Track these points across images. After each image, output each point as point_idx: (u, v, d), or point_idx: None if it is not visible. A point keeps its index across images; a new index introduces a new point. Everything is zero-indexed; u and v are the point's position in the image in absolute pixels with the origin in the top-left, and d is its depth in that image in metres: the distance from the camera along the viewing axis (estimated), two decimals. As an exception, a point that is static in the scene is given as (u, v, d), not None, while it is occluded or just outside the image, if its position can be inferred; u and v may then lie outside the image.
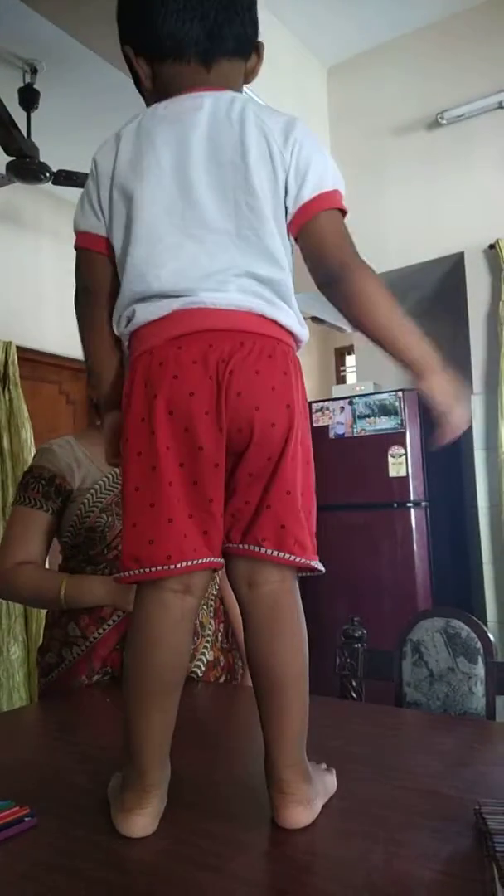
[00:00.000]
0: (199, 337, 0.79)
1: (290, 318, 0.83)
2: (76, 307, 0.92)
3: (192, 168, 0.82)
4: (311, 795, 0.79)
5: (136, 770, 0.78)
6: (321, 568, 0.82)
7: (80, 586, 1.36)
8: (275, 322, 0.82)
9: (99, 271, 0.88)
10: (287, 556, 0.79)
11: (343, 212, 0.85)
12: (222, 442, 0.78)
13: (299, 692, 0.81)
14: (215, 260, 0.81)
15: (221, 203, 0.82)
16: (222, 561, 0.81)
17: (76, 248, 0.90)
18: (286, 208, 0.84)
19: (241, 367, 0.78)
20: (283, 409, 0.80)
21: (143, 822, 0.76)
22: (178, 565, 0.76)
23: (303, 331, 0.85)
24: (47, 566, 1.49)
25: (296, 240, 0.85)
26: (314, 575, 0.83)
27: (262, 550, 0.79)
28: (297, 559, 0.80)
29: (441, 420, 0.84)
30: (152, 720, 0.78)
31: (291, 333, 0.84)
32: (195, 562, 0.77)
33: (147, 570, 0.77)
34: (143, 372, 0.80)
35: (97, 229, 0.87)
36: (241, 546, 0.80)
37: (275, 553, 0.79)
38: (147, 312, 0.81)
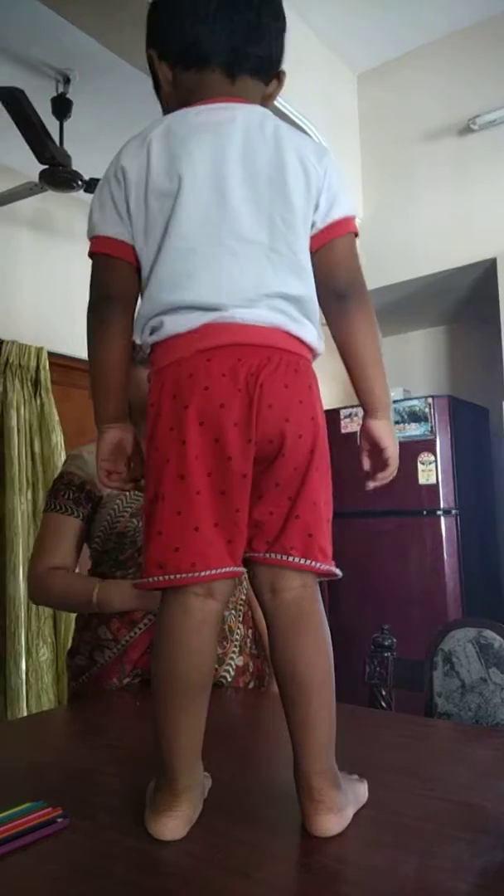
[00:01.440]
0: (228, 351, 0.80)
1: (311, 334, 0.85)
2: (92, 315, 0.88)
3: (228, 179, 0.82)
4: (341, 803, 0.78)
5: (167, 774, 0.78)
6: (340, 573, 0.84)
7: (111, 590, 1.37)
8: (298, 338, 0.84)
9: (126, 280, 0.86)
10: (312, 563, 0.81)
11: (357, 235, 0.90)
12: (250, 453, 0.79)
13: (326, 697, 0.81)
14: (247, 274, 0.81)
15: (256, 216, 0.82)
16: (243, 570, 0.82)
17: (98, 253, 0.87)
18: (313, 223, 0.86)
19: (270, 381, 0.79)
20: (308, 421, 0.82)
21: (173, 825, 0.76)
22: (203, 573, 0.77)
23: (320, 344, 0.88)
24: (77, 571, 1.50)
25: (312, 253, 0.87)
26: (333, 580, 0.85)
27: (290, 559, 0.80)
28: (321, 566, 0.81)
29: (387, 461, 0.92)
30: (179, 724, 0.78)
31: (311, 348, 0.86)
32: (218, 570, 0.78)
33: (171, 577, 0.77)
34: (171, 383, 0.80)
35: (124, 236, 0.85)
36: (266, 555, 0.81)
37: (301, 561, 0.80)
38: (176, 325, 0.81)
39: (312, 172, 0.85)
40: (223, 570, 0.79)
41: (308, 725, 0.79)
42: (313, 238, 0.86)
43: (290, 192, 0.84)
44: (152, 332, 0.83)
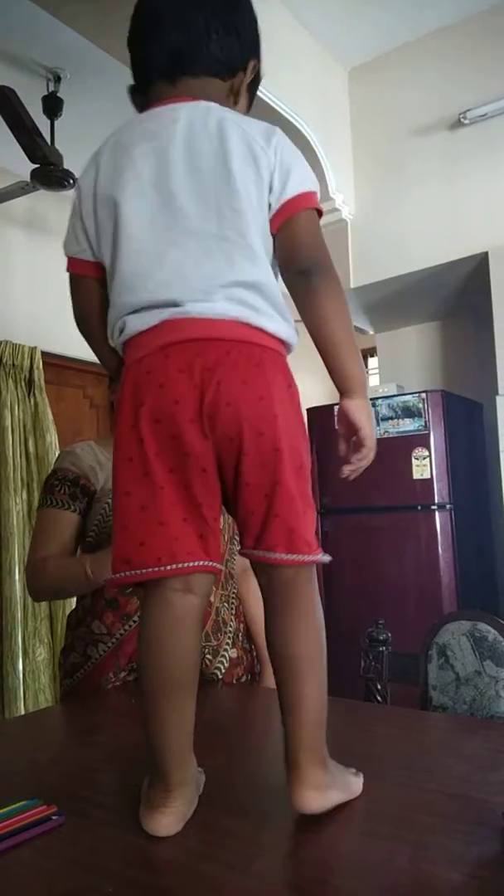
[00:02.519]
0: (186, 346, 0.80)
1: (276, 323, 0.84)
2: (79, 329, 0.96)
3: (172, 179, 0.84)
4: (325, 782, 0.79)
5: (159, 770, 0.79)
6: (328, 558, 0.84)
7: (103, 559, 1.33)
8: (260, 330, 0.82)
9: (90, 297, 0.92)
10: (297, 557, 0.81)
11: (320, 212, 0.88)
12: (209, 447, 0.79)
13: (315, 673, 0.81)
14: (201, 268, 0.82)
15: (203, 209, 0.83)
16: (220, 566, 0.83)
17: (67, 271, 0.93)
18: (269, 205, 0.85)
19: (228, 378, 0.79)
20: (270, 418, 0.80)
21: (167, 820, 0.76)
22: (169, 567, 0.78)
23: (290, 333, 0.86)
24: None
25: (274, 235, 0.86)
26: (328, 566, 0.86)
27: (275, 556, 0.81)
28: (307, 558, 0.82)
29: (362, 442, 0.88)
30: (166, 719, 0.78)
31: (278, 339, 0.84)
32: (188, 564, 0.78)
33: (137, 572, 0.78)
34: (132, 380, 0.81)
35: (83, 254, 0.90)
36: (255, 552, 0.83)
37: (287, 556, 0.81)
38: (138, 323, 0.83)
39: (261, 155, 0.84)
40: (194, 563, 0.79)
41: (297, 703, 0.80)
42: (272, 220, 0.85)
43: (237, 181, 0.83)
44: (120, 332, 0.85)
